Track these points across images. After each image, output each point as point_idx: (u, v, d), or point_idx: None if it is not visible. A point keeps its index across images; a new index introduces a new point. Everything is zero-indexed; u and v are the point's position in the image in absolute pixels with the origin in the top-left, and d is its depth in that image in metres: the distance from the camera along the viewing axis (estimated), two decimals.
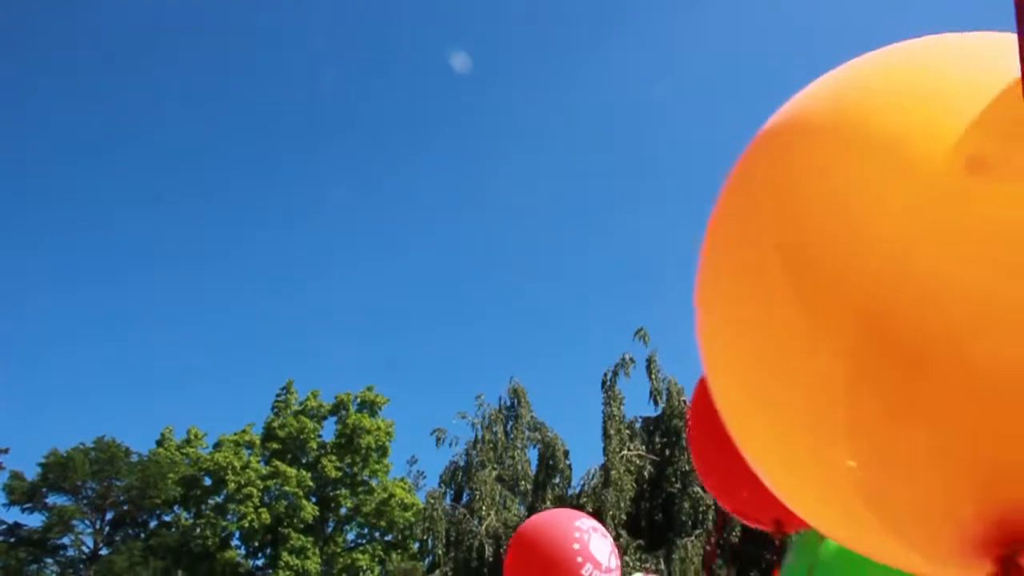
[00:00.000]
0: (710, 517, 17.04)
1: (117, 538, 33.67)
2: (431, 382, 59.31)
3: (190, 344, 56.92)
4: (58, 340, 53.83)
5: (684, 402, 18.95)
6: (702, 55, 59.59)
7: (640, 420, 20.01)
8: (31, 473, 32.57)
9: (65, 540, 33.27)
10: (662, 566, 16.19)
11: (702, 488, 17.43)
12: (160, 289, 55.84)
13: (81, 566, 32.82)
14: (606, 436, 18.59)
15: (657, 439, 19.09)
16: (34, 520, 32.85)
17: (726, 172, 1.36)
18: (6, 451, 32.95)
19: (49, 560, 33.63)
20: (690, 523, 16.92)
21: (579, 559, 3.65)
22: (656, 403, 19.64)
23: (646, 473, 18.23)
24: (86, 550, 33.14)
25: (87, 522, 33.14)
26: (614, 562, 3.73)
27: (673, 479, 17.70)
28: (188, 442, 35.97)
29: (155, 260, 56.57)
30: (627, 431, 19.14)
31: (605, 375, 19.34)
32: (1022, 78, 0.95)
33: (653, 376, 19.43)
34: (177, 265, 55.01)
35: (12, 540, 32.68)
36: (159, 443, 35.53)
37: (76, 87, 53.14)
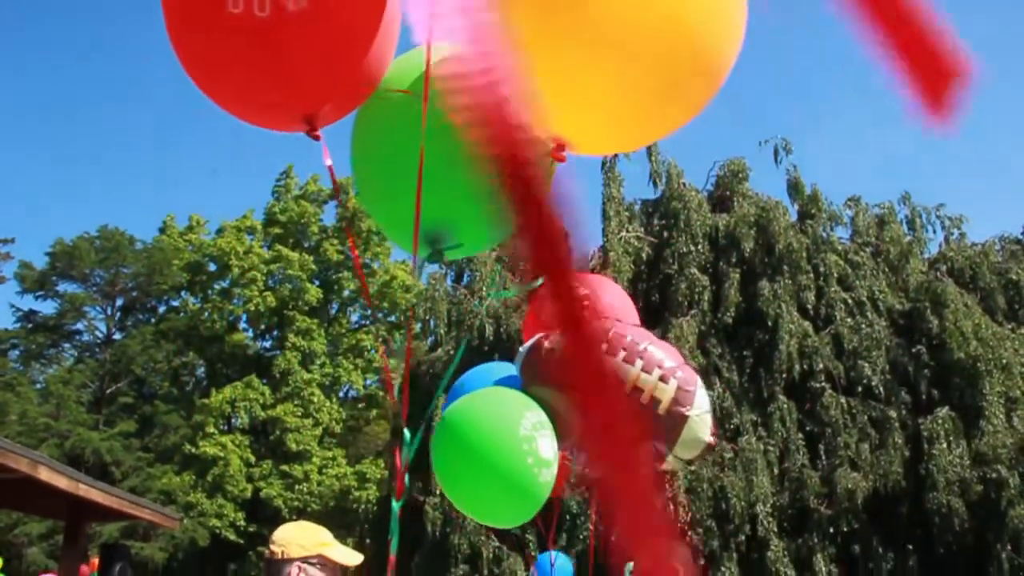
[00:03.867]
0: (705, 298, 17.30)
1: (128, 323, 34.49)
2: None
3: (187, 130, 56.27)
4: (56, 130, 53.15)
5: (684, 184, 18.77)
6: None
7: (639, 202, 19.91)
8: (39, 263, 33.01)
9: (79, 326, 34.17)
10: None
11: (699, 270, 17.60)
12: (155, 73, 54.48)
13: (97, 350, 33.88)
14: (605, 218, 18.54)
15: (655, 221, 19.05)
16: (47, 307, 33.63)
17: None
18: (12, 241, 33.27)
19: (66, 345, 34.68)
20: (686, 303, 17.18)
21: None
22: (655, 185, 19.47)
23: (644, 255, 18.32)
24: (100, 335, 34.11)
25: (98, 308, 33.87)
26: None
27: (670, 260, 17.80)
28: (190, 229, 36.06)
29: (156, 43, 54.80)
30: (626, 213, 19.06)
31: (605, 156, 19.06)
32: None
33: (653, 159, 19.12)
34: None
35: (29, 326, 33.58)
36: (162, 231, 35.67)
37: None
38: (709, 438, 2.90)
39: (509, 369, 3.26)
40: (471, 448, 2.60)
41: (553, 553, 8.67)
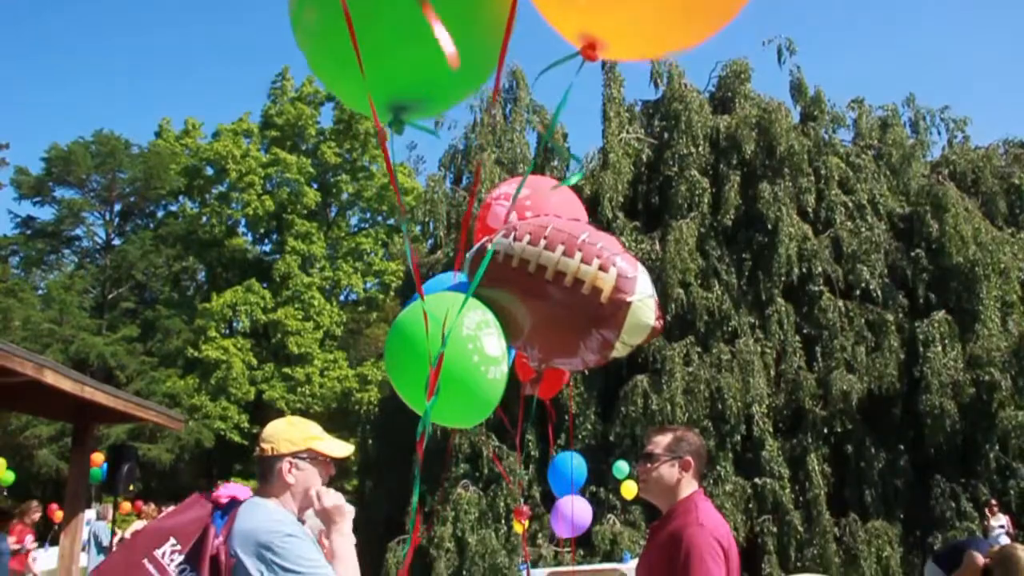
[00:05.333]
0: (705, 200, 17.19)
1: (127, 228, 34.48)
2: None
3: (181, 30, 55.03)
4: (49, 33, 52.01)
5: (685, 85, 18.44)
6: None
7: (640, 103, 19.61)
8: (35, 168, 32.77)
9: (78, 231, 34.15)
10: (657, 247, 16.57)
11: (699, 172, 17.43)
12: None
13: (97, 255, 33.93)
14: (605, 119, 18.29)
15: (656, 123, 18.79)
16: (45, 213, 33.55)
17: None
18: (6, 146, 32.96)
19: (66, 251, 34.74)
20: (686, 206, 17.07)
21: None
22: (656, 86, 19.13)
23: (644, 156, 18.13)
24: (99, 241, 34.11)
25: (97, 214, 33.79)
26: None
27: (671, 162, 17.62)
28: (187, 133, 35.68)
29: None
30: (626, 114, 18.80)
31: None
32: None
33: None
34: None
35: (28, 232, 33.55)
36: (158, 135, 35.29)
37: None
38: (654, 321, 2.94)
39: (460, 277, 3.30)
40: (415, 350, 2.64)
41: (571, 453, 8.76)
